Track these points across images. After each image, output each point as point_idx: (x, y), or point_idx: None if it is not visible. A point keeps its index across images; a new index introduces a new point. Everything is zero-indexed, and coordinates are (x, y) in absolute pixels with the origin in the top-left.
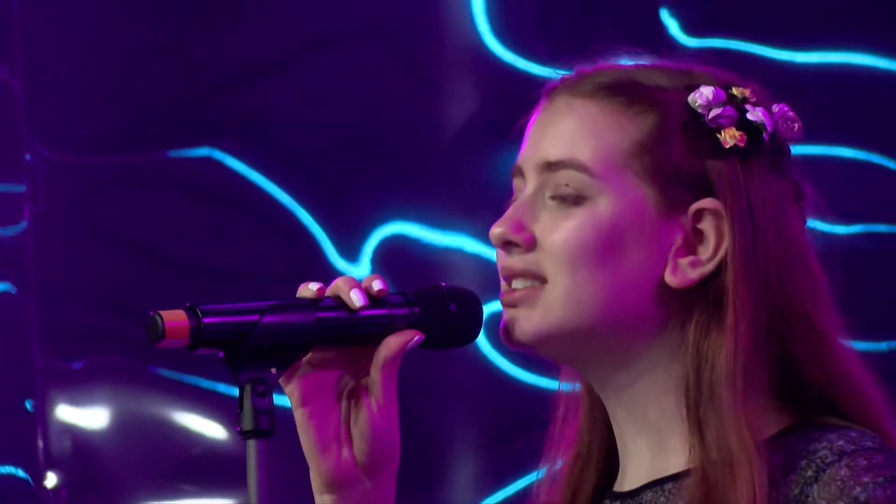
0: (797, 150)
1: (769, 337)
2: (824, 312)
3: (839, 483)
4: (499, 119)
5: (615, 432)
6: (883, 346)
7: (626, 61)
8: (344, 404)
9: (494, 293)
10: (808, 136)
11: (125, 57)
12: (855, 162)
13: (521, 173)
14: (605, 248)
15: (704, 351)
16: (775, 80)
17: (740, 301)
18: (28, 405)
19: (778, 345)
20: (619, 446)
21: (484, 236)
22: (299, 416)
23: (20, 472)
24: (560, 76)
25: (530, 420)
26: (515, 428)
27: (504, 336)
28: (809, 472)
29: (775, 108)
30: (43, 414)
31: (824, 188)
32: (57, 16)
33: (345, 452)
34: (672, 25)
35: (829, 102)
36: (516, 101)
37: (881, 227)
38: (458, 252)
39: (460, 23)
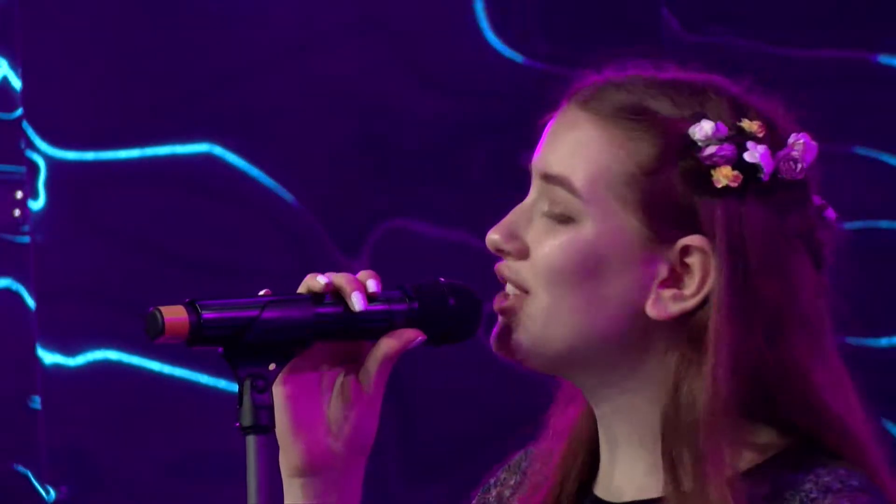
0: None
1: (754, 384)
2: (820, 367)
3: None
4: (499, 115)
5: (601, 436)
6: (883, 342)
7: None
8: (328, 390)
9: (494, 289)
10: (808, 133)
11: (125, 53)
12: (855, 158)
13: (531, 174)
14: (584, 271)
15: (683, 390)
16: (774, 77)
17: (721, 344)
18: (29, 401)
19: (764, 391)
20: (603, 449)
21: (484, 232)
22: (278, 395)
23: (21, 468)
24: (584, 78)
25: (531, 417)
26: (516, 425)
27: (494, 346)
28: None
29: (791, 138)
30: (44, 410)
31: (824, 185)
32: (57, 12)
33: (321, 437)
34: (673, 22)
35: (829, 98)
36: (516, 97)
37: (882, 224)
38: (459, 247)
39: (461, 19)
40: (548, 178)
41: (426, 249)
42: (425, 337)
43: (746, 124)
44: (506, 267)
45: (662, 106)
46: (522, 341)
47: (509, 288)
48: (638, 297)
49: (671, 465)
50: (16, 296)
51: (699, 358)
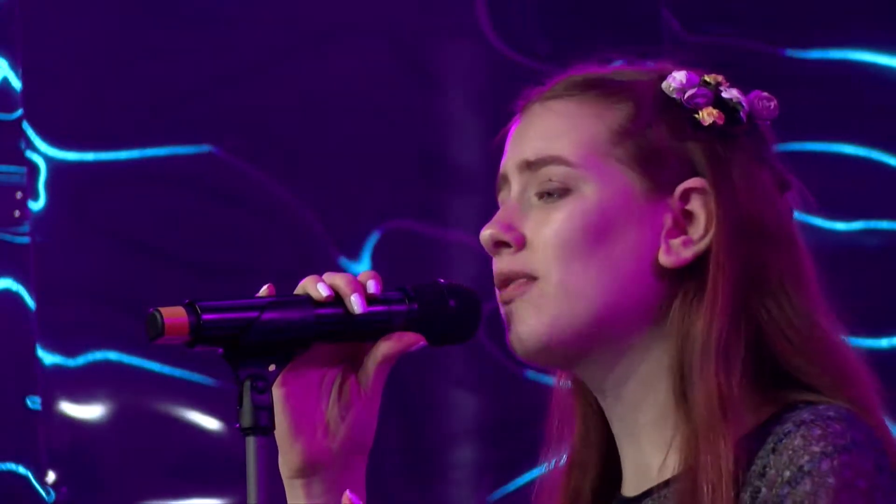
0: (798, 146)
1: (746, 309)
2: (805, 291)
3: (790, 452)
4: (499, 115)
5: (616, 432)
6: (883, 342)
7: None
8: (327, 391)
9: (494, 289)
10: (809, 133)
11: (125, 53)
12: (855, 158)
13: (506, 181)
14: (595, 235)
15: (686, 328)
16: (775, 77)
17: (719, 275)
18: (29, 402)
19: (754, 317)
20: (620, 446)
21: None
22: (278, 396)
23: (21, 469)
24: (531, 91)
25: (531, 416)
26: (516, 424)
27: (514, 346)
28: (771, 444)
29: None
30: (44, 410)
31: (825, 185)
32: (57, 12)
33: (320, 436)
34: (672, 22)
35: (829, 99)
36: (517, 97)
37: (882, 224)
38: (459, 248)
39: (461, 19)
40: (531, 164)
41: (426, 250)
42: (426, 342)
43: (710, 77)
44: (508, 261)
45: (625, 76)
46: (540, 330)
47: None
48: (647, 253)
49: (684, 407)
50: (16, 296)
51: (702, 293)
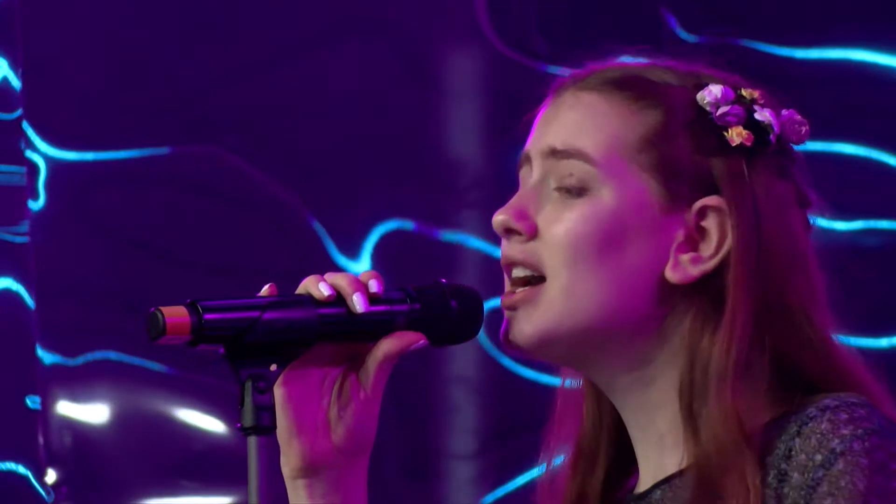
0: (799, 146)
1: (765, 334)
2: (821, 312)
3: (819, 436)
4: (499, 115)
5: (630, 429)
6: (883, 342)
7: (633, 59)
8: (328, 390)
9: (495, 289)
10: (810, 133)
11: (127, 53)
12: (855, 158)
13: (528, 161)
14: (606, 240)
15: (699, 348)
16: (775, 77)
17: (739, 299)
18: (29, 402)
19: (773, 340)
20: (635, 450)
21: (485, 233)
22: (279, 396)
23: (21, 469)
24: (569, 72)
25: (532, 417)
26: (517, 424)
27: (504, 340)
28: (794, 428)
29: (784, 112)
30: (43, 410)
31: (825, 185)
32: (57, 12)
33: (321, 436)
34: (671, 22)
35: (830, 99)
36: (516, 96)
37: (882, 224)
38: (459, 248)
39: (461, 19)
40: (556, 153)
41: (426, 250)
42: (427, 342)
43: (747, 92)
44: (518, 249)
45: (663, 77)
46: (540, 330)
47: (517, 271)
48: (656, 265)
49: (692, 427)
50: (16, 296)
51: (716, 315)
